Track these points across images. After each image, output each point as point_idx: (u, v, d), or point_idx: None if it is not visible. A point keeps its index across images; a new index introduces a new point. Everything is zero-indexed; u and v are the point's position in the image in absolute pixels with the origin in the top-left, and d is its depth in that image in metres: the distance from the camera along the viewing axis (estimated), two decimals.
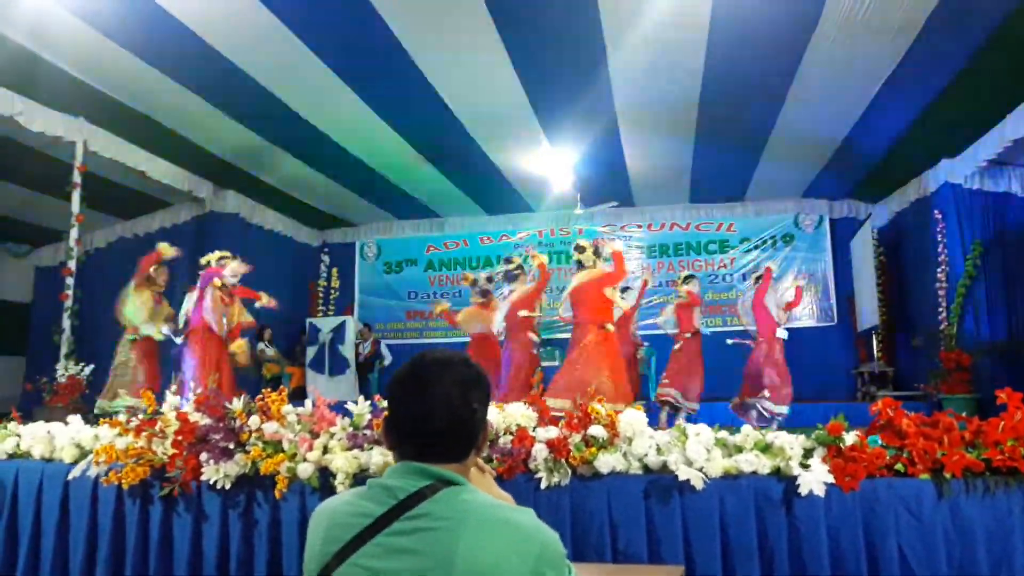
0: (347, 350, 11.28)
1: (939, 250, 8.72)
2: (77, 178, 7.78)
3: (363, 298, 12.94)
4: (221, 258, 6.94)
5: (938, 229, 8.74)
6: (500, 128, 8.52)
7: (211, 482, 3.35)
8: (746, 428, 3.11)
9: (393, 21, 6.16)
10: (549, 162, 9.41)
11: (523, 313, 7.14)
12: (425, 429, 1.36)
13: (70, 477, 3.61)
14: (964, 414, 3.14)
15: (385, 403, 2.41)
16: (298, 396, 9.81)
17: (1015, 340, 7.96)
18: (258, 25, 6.12)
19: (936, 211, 8.81)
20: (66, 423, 3.99)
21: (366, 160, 9.53)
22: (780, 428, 5.17)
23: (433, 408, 1.35)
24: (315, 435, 3.40)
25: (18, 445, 3.92)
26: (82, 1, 5.80)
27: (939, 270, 8.70)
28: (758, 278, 8.00)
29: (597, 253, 6.55)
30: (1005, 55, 6.27)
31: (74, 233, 7.82)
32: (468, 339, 8.16)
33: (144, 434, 3.55)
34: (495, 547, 1.24)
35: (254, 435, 3.44)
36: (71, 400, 7.08)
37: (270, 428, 3.41)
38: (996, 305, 8.26)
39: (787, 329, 7.96)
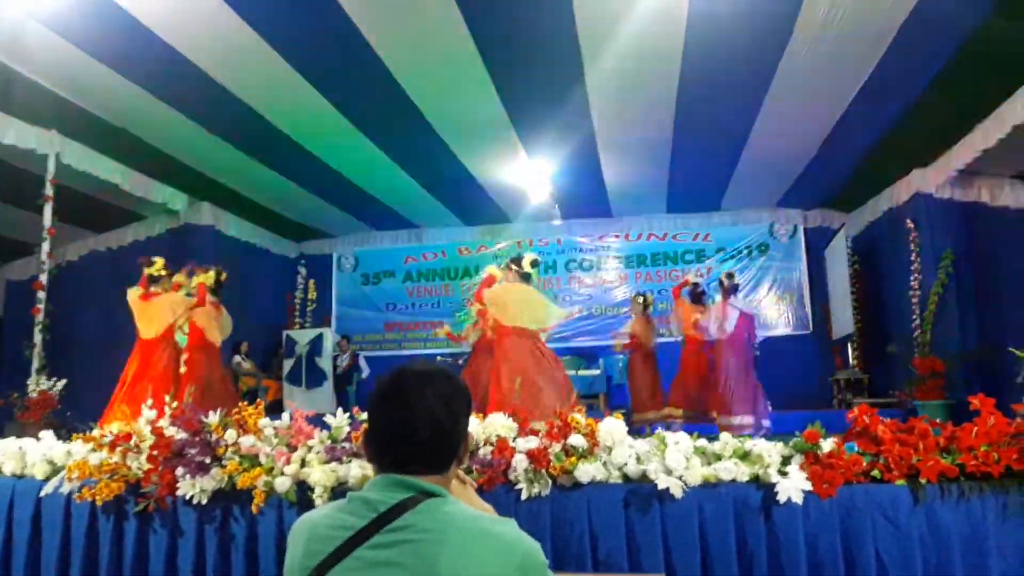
0: (324, 362, 11.21)
1: (912, 258, 8.84)
2: (49, 191, 7.68)
3: (341, 310, 12.87)
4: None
5: (910, 238, 8.87)
6: (478, 140, 8.54)
7: (187, 497, 3.30)
8: (724, 436, 3.13)
9: (372, 35, 6.16)
10: (527, 173, 9.44)
11: None
12: (407, 441, 1.36)
13: (42, 494, 3.54)
14: (938, 420, 3.19)
15: (364, 415, 2.39)
16: (275, 409, 9.71)
17: (987, 346, 8.08)
18: (235, 37, 6.09)
19: (908, 220, 8.94)
20: (38, 439, 3.93)
21: (343, 171, 9.50)
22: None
23: (415, 420, 1.35)
24: (292, 448, 3.37)
25: None
26: (55, 13, 5.73)
27: (912, 278, 8.82)
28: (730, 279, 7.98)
29: None
30: (975, 65, 6.38)
31: (46, 246, 7.70)
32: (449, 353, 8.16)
33: (119, 449, 3.50)
34: (477, 558, 1.24)
35: (230, 449, 3.39)
36: (43, 416, 6.96)
37: (247, 442, 3.37)
38: (968, 312, 8.38)
39: (764, 337, 8.05)
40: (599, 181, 10.13)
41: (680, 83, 7.07)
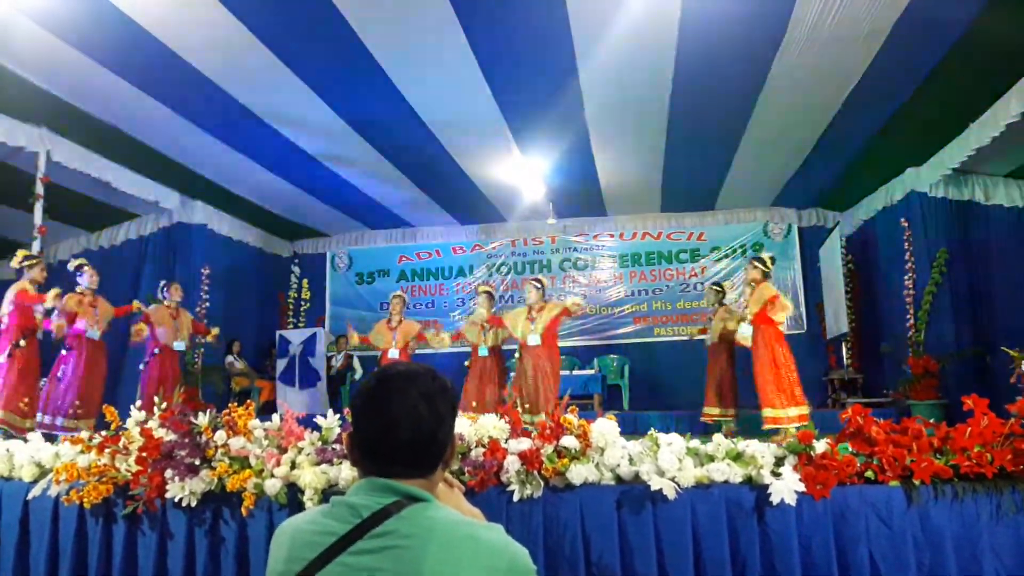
0: (318, 362, 11.15)
1: (906, 258, 8.84)
2: (40, 189, 7.62)
3: (334, 309, 12.80)
4: (80, 265, 7.42)
5: (904, 237, 8.87)
6: (471, 137, 8.50)
7: (176, 499, 3.28)
8: (717, 437, 3.12)
9: (362, 29, 6.12)
10: (521, 172, 9.41)
11: None
12: (391, 444, 1.33)
13: (30, 497, 3.52)
14: (932, 420, 3.18)
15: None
16: (269, 410, 9.69)
17: (981, 346, 8.09)
18: (225, 33, 6.04)
19: (902, 219, 8.95)
20: (26, 440, 3.90)
21: (336, 170, 9.46)
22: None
23: (399, 422, 1.32)
24: (283, 450, 3.34)
25: None
26: (43, 7, 5.67)
27: (906, 277, 8.82)
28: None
29: None
30: (968, 64, 6.38)
31: (36, 245, 7.64)
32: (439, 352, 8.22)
33: (107, 451, 3.47)
34: (462, 564, 1.22)
35: (220, 451, 3.37)
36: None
37: (237, 443, 3.35)
38: (962, 311, 8.39)
39: None
40: (593, 180, 10.11)
41: (674, 81, 7.05)
